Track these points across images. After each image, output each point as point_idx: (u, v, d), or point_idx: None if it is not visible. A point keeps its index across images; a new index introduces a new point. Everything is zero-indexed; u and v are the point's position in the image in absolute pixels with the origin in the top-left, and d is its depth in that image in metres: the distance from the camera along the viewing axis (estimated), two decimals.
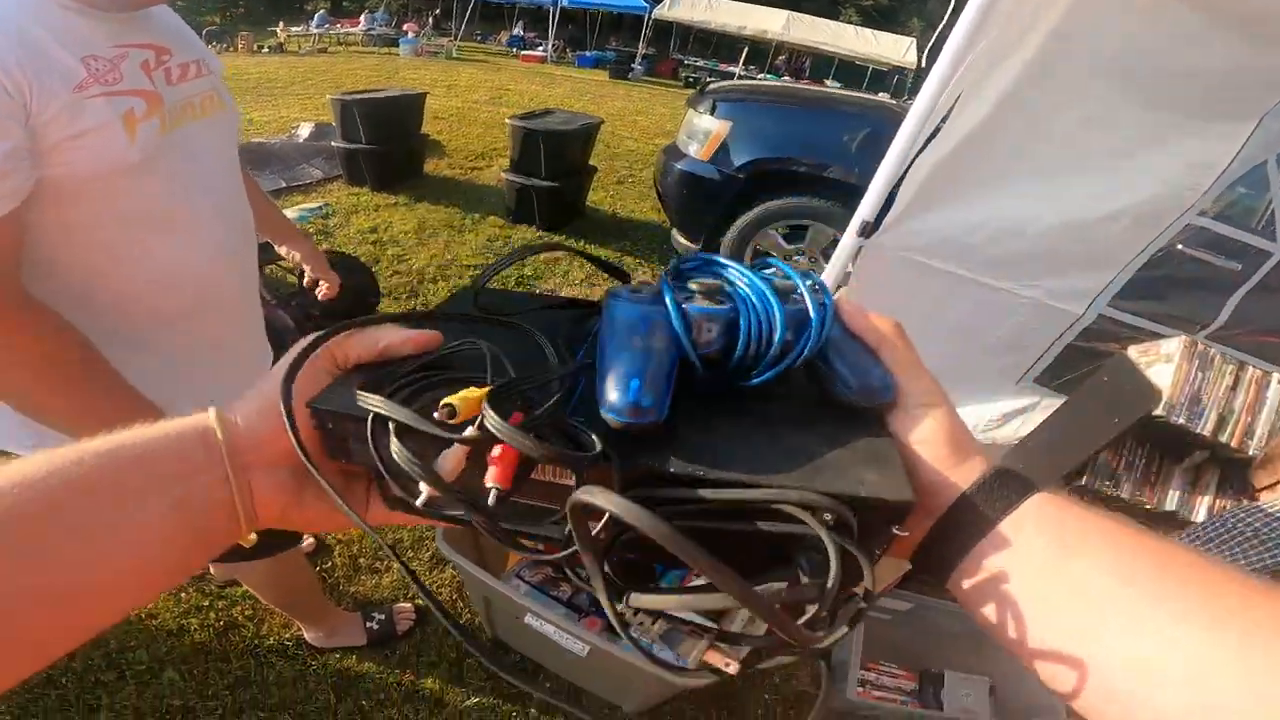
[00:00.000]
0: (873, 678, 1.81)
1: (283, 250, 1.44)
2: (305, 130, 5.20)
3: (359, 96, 4.23)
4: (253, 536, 0.35)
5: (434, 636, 1.79)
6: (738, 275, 0.39)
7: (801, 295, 0.38)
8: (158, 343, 0.94)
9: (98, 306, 0.86)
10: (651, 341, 0.35)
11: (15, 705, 1.50)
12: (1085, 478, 1.56)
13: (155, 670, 1.63)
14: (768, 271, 0.40)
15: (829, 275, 1.94)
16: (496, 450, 0.31)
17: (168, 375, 0.91)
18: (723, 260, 0.41)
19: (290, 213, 2.72)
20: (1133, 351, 1.48)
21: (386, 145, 4.35)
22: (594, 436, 0.31)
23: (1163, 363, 1.43)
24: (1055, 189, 1.58)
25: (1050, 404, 2.07)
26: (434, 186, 4.70)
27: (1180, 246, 1.61)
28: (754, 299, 0.37)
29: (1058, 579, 0.31)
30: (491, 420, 0.30)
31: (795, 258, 3.36)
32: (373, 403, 0.32)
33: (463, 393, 0.31)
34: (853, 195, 2.99)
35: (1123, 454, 1.55)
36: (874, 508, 0.31)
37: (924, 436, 0.36)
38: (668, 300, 0.36)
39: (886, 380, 0.38)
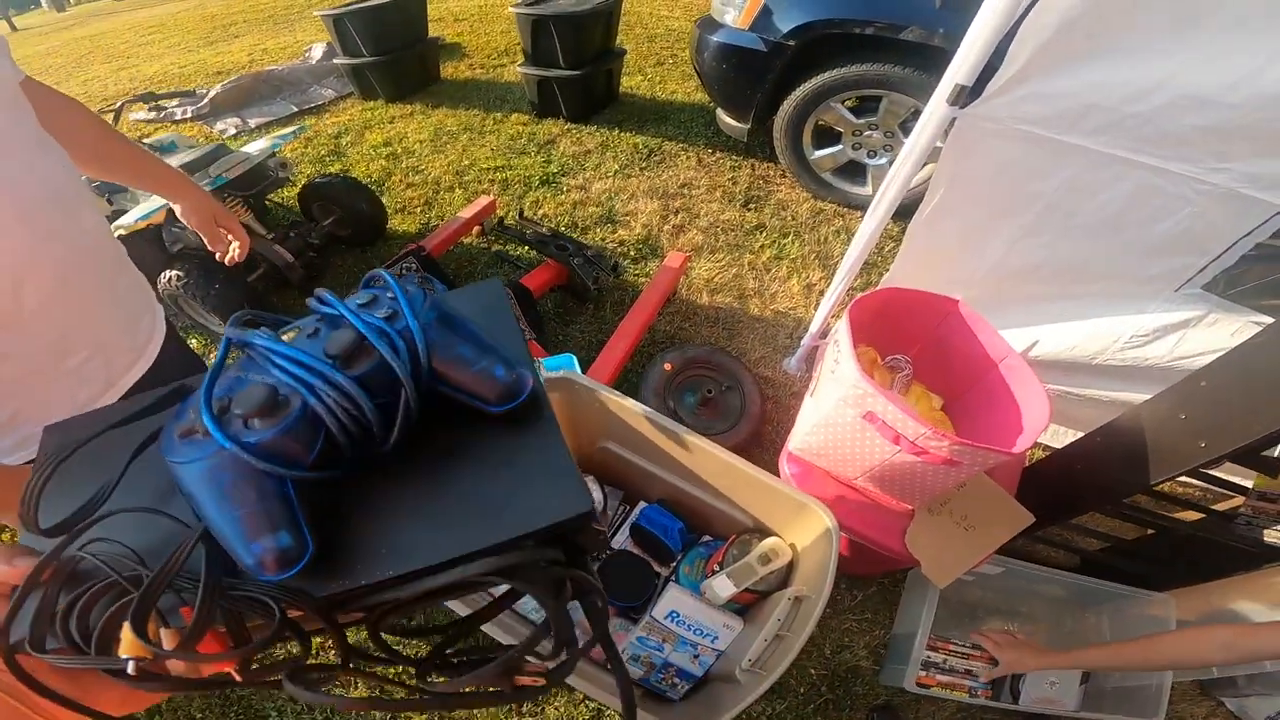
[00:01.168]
0: (939, 660, 1.56)
1: (176, 209, 1.16)
2: (317, 51, 4.86)
3: (349, 9, 3.78)
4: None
5: None
6: (280, 359, 0.33)
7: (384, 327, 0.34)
8: None
9: None
10: (243, 491, 0.31)
11: None
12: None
13: None
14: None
15: (909, 155, 1.51)
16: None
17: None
18: (256, 341, 0.34)
19: (262, 142, 2.46)
20: None
21: (392, 54, 3.97)
22: (268, 600, 0.31)
23: None
24: (1274, 43, 1.10)
25: (1220, 317, 1.61)
26: (452, 91, 4.33)
27: None
28: (312, 382, 0.32)
29: None
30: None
31: (868, 133, 2.79)
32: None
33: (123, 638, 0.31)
34: (935, 58, 2.38)
35: None
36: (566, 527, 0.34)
37: None
38: (226, 444, 0.31)
39: (518, 370, 0.40)
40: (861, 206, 2.99)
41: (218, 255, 1.25)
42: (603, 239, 2.80)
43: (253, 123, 4.06)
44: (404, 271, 2.34)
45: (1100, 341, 1.77)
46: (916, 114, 2.65)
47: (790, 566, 1.18)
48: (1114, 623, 1.80)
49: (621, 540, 1.38)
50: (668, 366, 1.94)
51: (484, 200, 2.81)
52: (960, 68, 1.32)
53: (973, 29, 1.24)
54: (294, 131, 2.61)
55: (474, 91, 4.26)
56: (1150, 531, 1.78)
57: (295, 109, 4.16)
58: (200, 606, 0.30)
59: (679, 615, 1.20)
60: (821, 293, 2.55)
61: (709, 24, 2.89)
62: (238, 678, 0.34)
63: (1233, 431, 1.22)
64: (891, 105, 2.64)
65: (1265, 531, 1.44)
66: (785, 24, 2.58)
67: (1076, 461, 1.53)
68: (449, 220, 2.75)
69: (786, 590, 1.10)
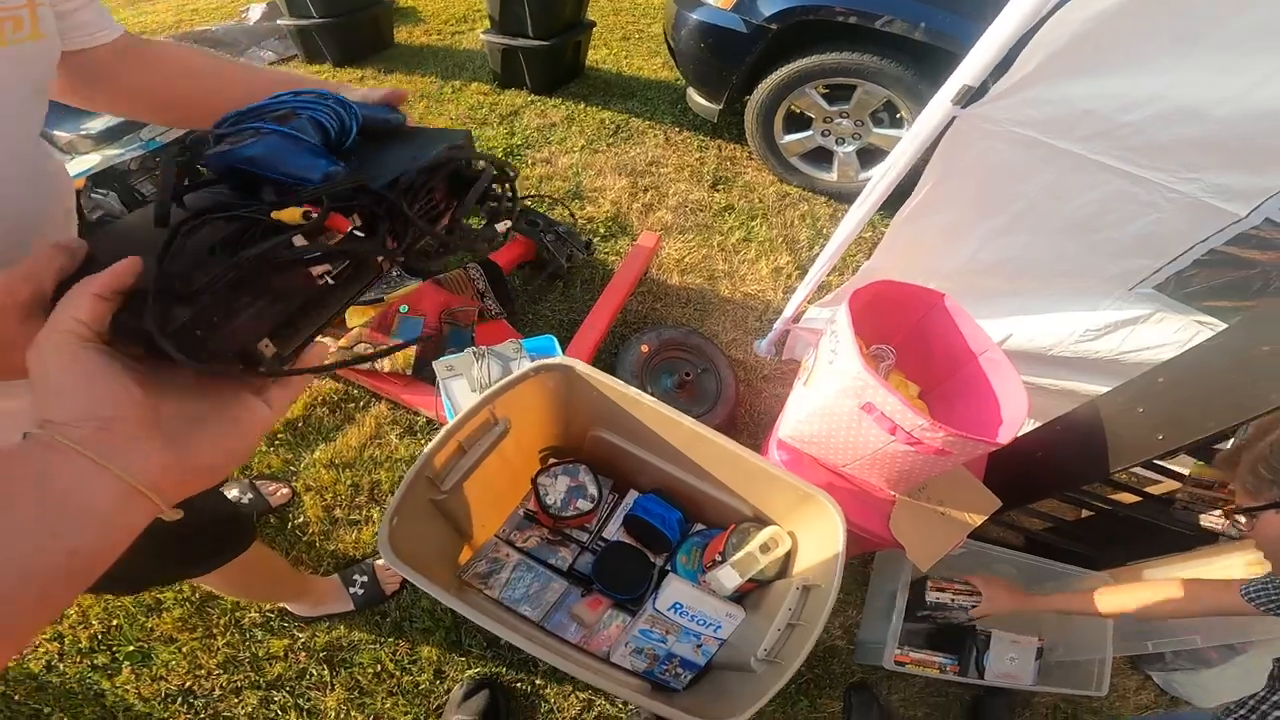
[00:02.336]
0: (946, 599, 1.61)
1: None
2: (256, 11, 4.41)
3: None
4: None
5: (427, 597, 1.56)
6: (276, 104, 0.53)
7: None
8: None
9: None
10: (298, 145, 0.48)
11: (24, 693, 1.46)
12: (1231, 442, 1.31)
13: (145, 652, 1.53)
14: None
15: (905, 150, 1.51)
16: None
17: None
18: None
19: None
20: None
21: (343, 16, 3.66)
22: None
23: None
24: (1267, 65, 1.15)
25: (1167, 316, 1.70)
26: (407, 56, 4.02)
27: None
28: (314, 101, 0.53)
29: None
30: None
31: (838, 120, 2.79)
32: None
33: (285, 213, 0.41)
34: (914, 52, 2.42)
35: None
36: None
37: None
38: (277, 130, 0.49)
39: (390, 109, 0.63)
40: (826, 192, 3.00)
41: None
42: (571, 215, 2.71)
43: None
44: None
45: (1055, 335, 1.85)
46: (888, 105, 2.70)
47: (788, 555, 1.18)
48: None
49: (614, 530, 1.34)
50: (645, 348, 1.89)
51: None
52: (969, 69, 1.31)
53: (988, 35, 1.23)
54: None
55: (430, 58, 3.97)
56: (1089, 514, 1.90)
57: None
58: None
59: (683, 607, 1.18)
60: (789, 276, 2.56)
61: (689, 1, 2.80)
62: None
63: (1189, 426, 1.27)
64: (865, 95, 2.64)
65: (1201, 516, 1.54)
66: (769, 7, 2.52)
67: (1037, 449, 1.59)
68: None
69: (791, 579, 1.09)
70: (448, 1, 5.00)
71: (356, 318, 1.86)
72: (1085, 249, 1.65)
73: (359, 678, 1.51)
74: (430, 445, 1.08)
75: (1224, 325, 1.67)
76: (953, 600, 1.59)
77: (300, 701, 1.47)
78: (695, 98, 3.07)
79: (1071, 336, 1.82)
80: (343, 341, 1.80)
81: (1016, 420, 1.27)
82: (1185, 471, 1.64)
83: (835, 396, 1.24)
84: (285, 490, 1.76)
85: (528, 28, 3.29)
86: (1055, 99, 1.33)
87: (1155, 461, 1.56)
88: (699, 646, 1.20)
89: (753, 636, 1.12)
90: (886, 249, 1.81)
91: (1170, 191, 1.40)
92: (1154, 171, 1.38)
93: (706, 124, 3.33)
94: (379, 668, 1.52)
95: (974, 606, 1.53)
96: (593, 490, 1.31)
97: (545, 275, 2.32)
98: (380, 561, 1.66)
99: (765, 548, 1.16)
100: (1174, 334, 1.74)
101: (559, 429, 1.32)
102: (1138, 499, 1.68)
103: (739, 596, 1.24)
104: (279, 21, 3.79)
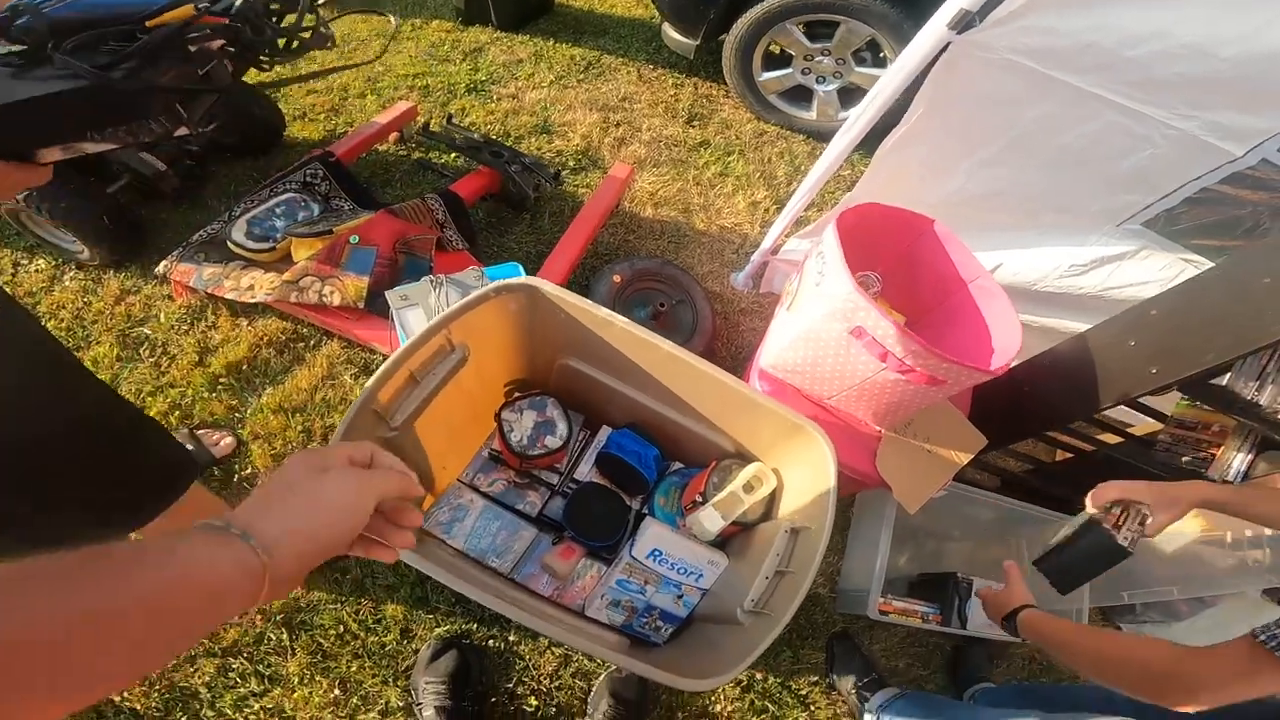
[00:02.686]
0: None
1: None
2: None
3: None
4: None
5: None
6: None
7: None
8: None
9: None
10: None
11: None
12: (1228, 377, 1.23)
13: None
14: None
15: (894, 76, 1.41)
16: None
17: None
18: None
19: None
20: None
21: None
22: None
23: None
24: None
25: (1155, 253, 1.67)
26: None
27: None
28: None
29: None
30: None
31: (819, 58, 2.65)
32: None
33: None
34: None
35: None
36: None
37: None
38: None
39: None
40: (805, 131, 2.87)
41: None
42: (539, 149, 2.52)
43: None
44: (308, 180, 2.00)
45: (1040, 270, 1.80)
46: (871, 44, 2.57)
47: (774, 495, 1.09)
48: (1030, 546, 1.84)
49: (586, 471, 1.24)
50: (617, 278, 1.77)
51: (403, 105, 2.44)
52: None
53: None
54: None
55: None
56: (1068, 456, 1.87)
57: None
58: None
59: (662, 554, 1.09)
60: (766, 210, 2.45)
61: None
62: None
63: (1185, 358, 1.22)
64: (848, 33, 2.50)
65: (1182, 458, 1.51)
66: None
67: (1024, 383, 1.53)
68: (362, 125, 2.36)
69: (778, 521, 1.01)
70: None
71: (303, 250, 1.69)
72: (1075, 182, 1.60)
73: (321, 640, 1.40)
74: (376, 375, 0.95)
75: (1209, 264, 1.63)
76: (903, 620, 1.52)
77: (260, 668, 1.37)
78: (671, 33, 2.89)
79: (1057, 271, 1.78)
80: (287, 275, 1.63)
81: (1010, 348, 1.19)
82: (1168, 412, 1.61)
83: (822, 320, 1.14)
84: (229, 439, 1.61)
85: None
86: (1057, 29, 1.26)
87: (1140, 400, 1.52)
88: (680, 598, 1.12)
89: (738, 585, 1.04)
90: (870, 180, 1.71)
91: (1167, 128, 1.37)
92: (1152, 107, 1.35)
93: (682, 62, 3.15)
94: (341, 629, 1.42)
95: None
96: (562, 426, 1.20)
97: (511, 206, 2.17)
98: (206, 430, 1.61)
99: (749, 486, 1.08)
100: (1159, 271, 1.71)
101: (525, 358, 1.20)
102: (1120, 439, 1.64)
103: (721, 542, 1.16)
104: None
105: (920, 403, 1.21)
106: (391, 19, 2.14)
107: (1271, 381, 1.22)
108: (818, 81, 2.74)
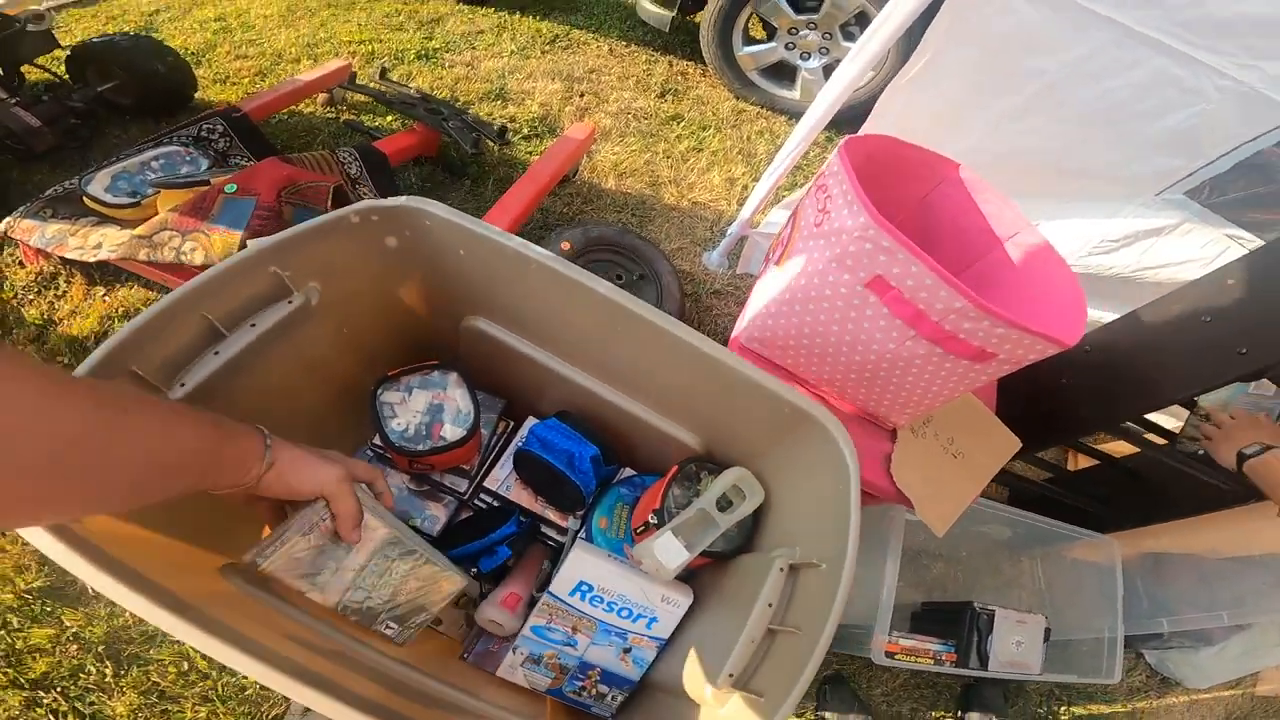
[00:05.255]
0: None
1: None
2: None
3: None
4: None
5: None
6: None
7: None
8: None
9: None
10: None
11: None
12: None
13: None
14: None
15: (891, 14, 1.11)
16: None
17: None
18: None
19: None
20: None
21: None
22: None
23: None
24: None
25: (1196, 227, 1.38)
26: None
27: None
28: None
29: None
30: None
31: (804, 32, 2.36)
32: None
33: None
34: None
35: None
36: None
37: None
38: None
39: None
40: (787, 111, 2.57)
41: None
42: (489, 114, 2.17)
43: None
44: (203, 134, 1.63)
45: (1066, 246, 1.47)
46: (860, 17, 2.29)
47: (759, 511, 0.73)
48: (1045, 567, 1.63)
49: (503, 478, 0.87)
50: (565, 245, 1.41)
51: (335, 63, 2.05)
52: None
53: None
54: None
55: None
56: (1092, 464, 1.57)
57: None
58: None
59: (592, 589, 0.72)
60: (744, 187, 2.12)
61: None
62: None
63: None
64: (836, 5, 2.23)
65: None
66: None
67: (1060, 375, 1.22)
68: (283, 81, 2.01)
69: (770, 554, 0.65)
70: None
71: (169, 202, 1.31)
72: (1111, 143, 1.37)
73: (157, 679, 1.09)
74: (138, 318, 0.58)
75: (1260, 241, 1.40)
76: (911, 663, 1.20)
77: (79, 705, 1.06)
78: (647, 5, 2.59)
79: (1085, 247, 1.50)
80: (139, 230, 1.24)
81: (1077, 315, 0.86)
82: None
83: (827, 270, 0.79)
84: None
85: None
86: None
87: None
88: (626, 651, 0.74)
89: (710, 645, 0.68)
90: (874, 125, 1.40)
91: (1222, 78, 1.17)
92: (1208, 53, 1.15)
93: (657, 40, 2.86)
94: (185, 666, 1.11)
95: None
96: (466, 409, 0.83)
97: (450, 172, 1.81)
98: None
99: (725, 502, 0.72)
100: (1201, 249, 1.45)
101: (414, 319, 0.84)
102: (1164, 441, 1.33)
103: (688, 574, 0.79)
104: None
105: (954, 388, 0.87)
106: None
107: None
108: (802, 58, 2.46)
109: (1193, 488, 1.24)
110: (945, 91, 1.37)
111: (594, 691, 0.77)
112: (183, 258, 1.20)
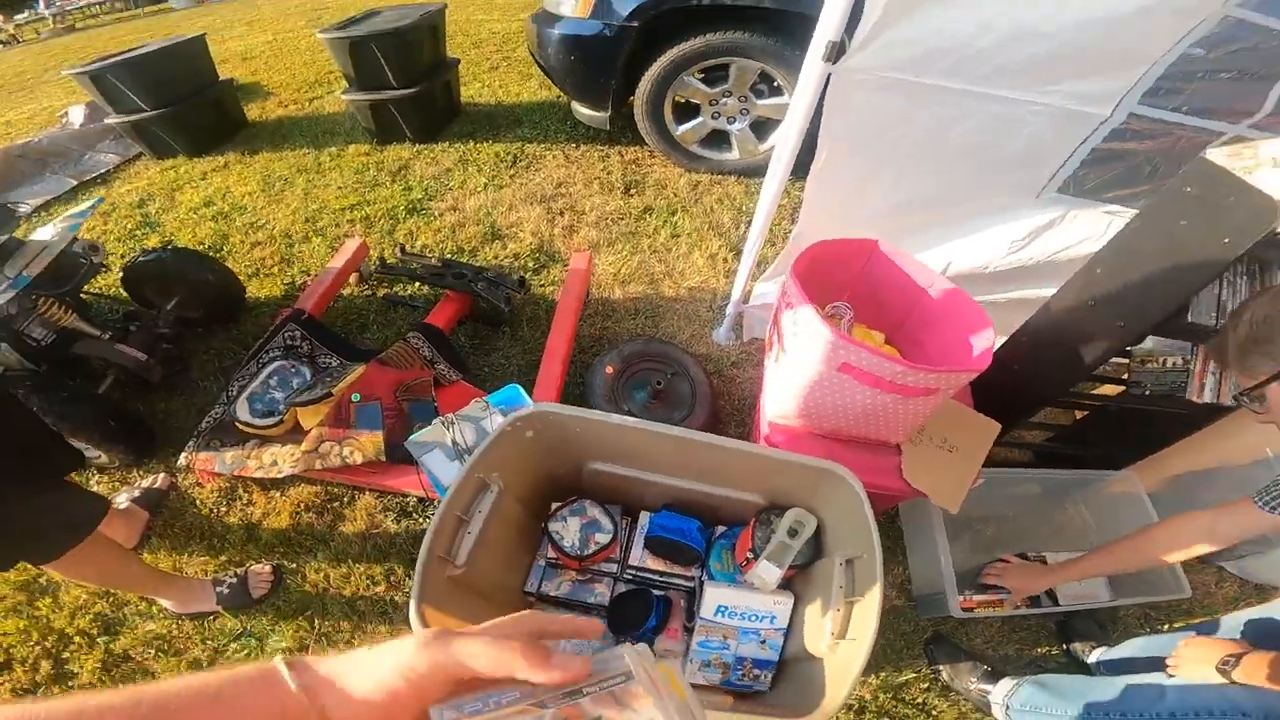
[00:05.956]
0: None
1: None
2: (77, 114, 4.11)
3: (109, 63, 3.24)
4: None
5: (296, 593, 1.68)
6: None
7: None
8: None
9: None
10: None
11: None
12: (1189, 313, 1.27)
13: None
14: None
15: (796, 115, 1.56)
16: None
17: None
18: None
19: (53, 227, 2.02)
20: (1215, 155, 1.14)
21: (179, 105, 3.47)
22: None
23: (1268, 167, 1.09)
24: None
25: (1079, 213, 1.80)
26: (267, 133, 3.85)
27: (1218, 33, 1.34)
28: None
29: None
30: None
31: (723, 100, 2.85)
32: None
33: None
34: (772, 21, 2.50)
35: (1229, 279, 1.28)
36: None
37: None
38: None
39: None
40: (734, 171, 3.05)
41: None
42: (495, 256, 2.65)
43: (24, 208, 3.40)
44: (289, 343, 2.08)
45: (987, 254, 1.92)
46: (764, 75, 2.77)
47: (817, 532, 1.18)
48: (1092, 509, 1.88)
49: (638, 555, 1.31)
50: (610, 369, 1.87)
51: (352, 244, 2.48)
52: (828, 25, 1.37)
53: None
54: (89, 207, 2.09)
55: (294, 130, 3.82)
56: (1084, 415, 1.86)
57: (73, 181, 3.53)
58: None
59: (727, 608, 1.17)
60: (725, 260, 2.58)
61: (546, 18, 2.80)
62: None
63: (1142, 309, 1.28)
64: (740, 71, 2.71)
65: (1189, 392, 1.46)
66: (624, 6, 2.56)
67: (1013, 363, 1.58)
68: (319, 275, 2.39)
69: (832, 557, 1.09)
70: (292, 69, 4.86)
71: (310, 418, 1.76)
72: (978, 172, 1.72)
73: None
74: (431, 526, 1.02)
75: (1130, 211, 1.72)
76: (991, 612, 1.58)
77: None
78: (581, 110, 3.08)
79: (1001, 251, 1.90)
80: (305, 445, 1.69)
81: (985, 341, 1.31)
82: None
83: (810, 366, 1.25)
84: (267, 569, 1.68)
85: (389, 78, 3.23)
86: (909, 39, 1.39)
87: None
88: (763, 643, 1.19)
89: (814, 621, 1.12)
90: (809, 212, 1.84)
91: (1035, 106, 1.50)
92: (1014, 90, 1.48)
93: (601, 134, 3.34)
94: (258, 658, 1.53)
95: (1007, 599, 1.53)
96: (605, 522, 1.28)
97: (488, 323, 2.27)
98: (255, 565, 1.68)
99: (792, 532, 1.16)
100: (1089, 228, 1.81)
101: (552, 473, 1.29)
102: (1122, 388, 1.63)
103: (785, 584, 1.24)
104: (107, 121, 3.56)
105: (925, 412, 1.32)
106: None
107: (1229, 310, 1.25)
108: (729, 122, 2.94)
109: (1166, 417, 1.54)
110: (845, 174, 1.74)
111: (751, 675, 1.20)
112: (346, 460, 1.65)
